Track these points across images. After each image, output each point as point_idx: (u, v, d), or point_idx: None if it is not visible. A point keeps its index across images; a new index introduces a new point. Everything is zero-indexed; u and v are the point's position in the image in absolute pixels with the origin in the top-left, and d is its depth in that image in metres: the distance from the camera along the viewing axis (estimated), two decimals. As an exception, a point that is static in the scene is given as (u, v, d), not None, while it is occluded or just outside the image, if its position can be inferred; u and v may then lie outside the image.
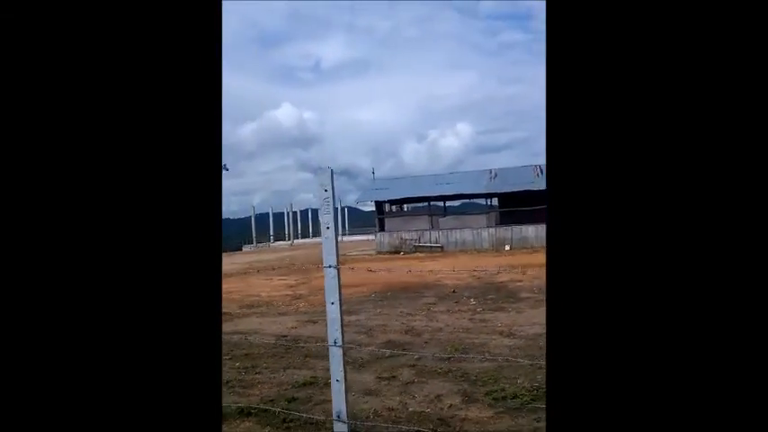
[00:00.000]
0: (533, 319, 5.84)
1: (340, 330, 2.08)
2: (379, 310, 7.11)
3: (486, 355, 4.44)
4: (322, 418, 3.13)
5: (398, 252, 19.92)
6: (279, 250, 29.10)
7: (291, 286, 10.53)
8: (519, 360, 4.10)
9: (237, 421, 3.20)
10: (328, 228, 2.10)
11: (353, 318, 6.62)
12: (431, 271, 11.85)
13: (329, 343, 2.12)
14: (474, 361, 4.28)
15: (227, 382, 4.10)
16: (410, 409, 3.26)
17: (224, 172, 40.94)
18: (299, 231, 39.09)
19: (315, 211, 42.57)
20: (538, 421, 2.90)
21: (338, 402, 2.11)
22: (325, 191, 2.07)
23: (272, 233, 37.00)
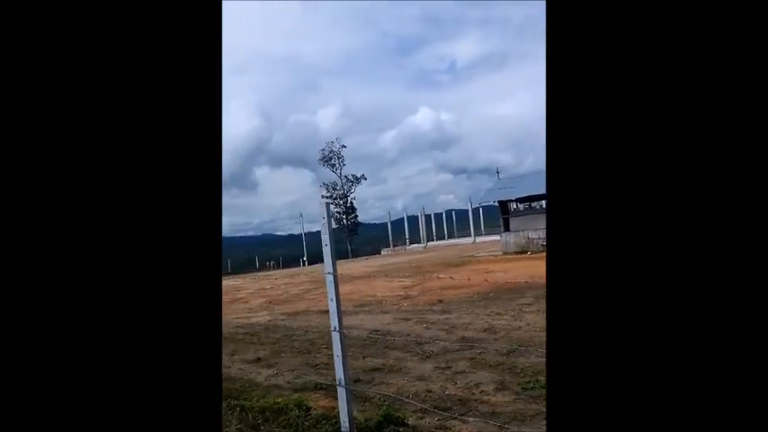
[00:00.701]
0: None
1: (338, 320, 2.80)
2: (471, 310, 7.57)
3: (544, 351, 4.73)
4: (372, 393, 3.88)
5: (525, 252, 19.58)
6: (412, 253, 30.47)
7: (406, 287, 11.41)
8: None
9: (310, 393, 4.11)
10: (327, 246, 2.85)
11: (444, 317, 7.21)
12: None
13: (331, 329, 2.85)
14: (531, 356, 4.61)
15: (317, 365, 5.08)
16: (446, 393, 3.83)
17: (363, 181, 43.99)
18: (434, 233, 40.27)
19: (449, 213, 43.47)
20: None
21: (339, 371, 2.84)
22: (323, 218, 2.83)
23: (407, 236, 38.84)
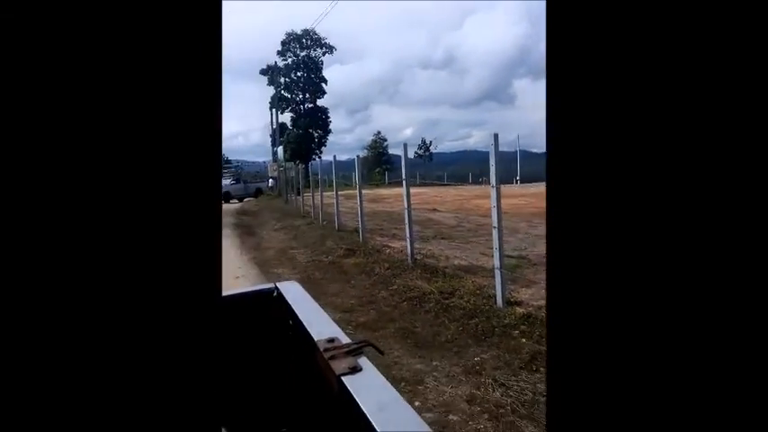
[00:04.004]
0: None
1: (498, 220, 4.90)
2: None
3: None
4: (377, 234, 11.24)
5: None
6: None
7: (510, 205, 16.92)
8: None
9: (382, 238, 11.76)
10: (493, 166, 4.88)
11: (483, 220, 13.46)
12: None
13: (492, 226, 5.03)
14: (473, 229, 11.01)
15: (393, 228, 12.55)
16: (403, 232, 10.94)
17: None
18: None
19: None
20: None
21: (496, 260, 4.81)
22: (491, 145, 4.90)
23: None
